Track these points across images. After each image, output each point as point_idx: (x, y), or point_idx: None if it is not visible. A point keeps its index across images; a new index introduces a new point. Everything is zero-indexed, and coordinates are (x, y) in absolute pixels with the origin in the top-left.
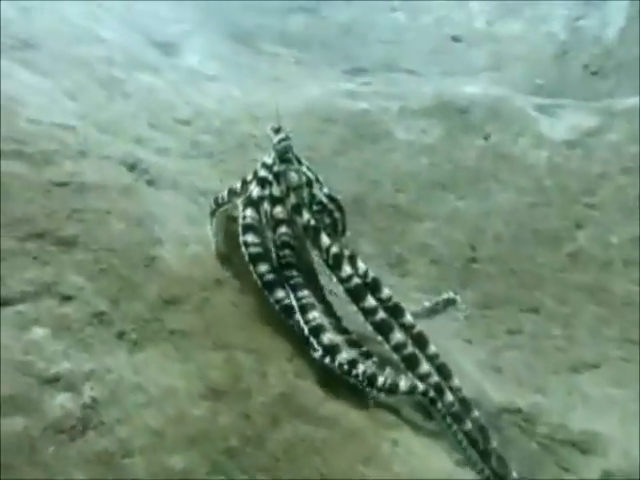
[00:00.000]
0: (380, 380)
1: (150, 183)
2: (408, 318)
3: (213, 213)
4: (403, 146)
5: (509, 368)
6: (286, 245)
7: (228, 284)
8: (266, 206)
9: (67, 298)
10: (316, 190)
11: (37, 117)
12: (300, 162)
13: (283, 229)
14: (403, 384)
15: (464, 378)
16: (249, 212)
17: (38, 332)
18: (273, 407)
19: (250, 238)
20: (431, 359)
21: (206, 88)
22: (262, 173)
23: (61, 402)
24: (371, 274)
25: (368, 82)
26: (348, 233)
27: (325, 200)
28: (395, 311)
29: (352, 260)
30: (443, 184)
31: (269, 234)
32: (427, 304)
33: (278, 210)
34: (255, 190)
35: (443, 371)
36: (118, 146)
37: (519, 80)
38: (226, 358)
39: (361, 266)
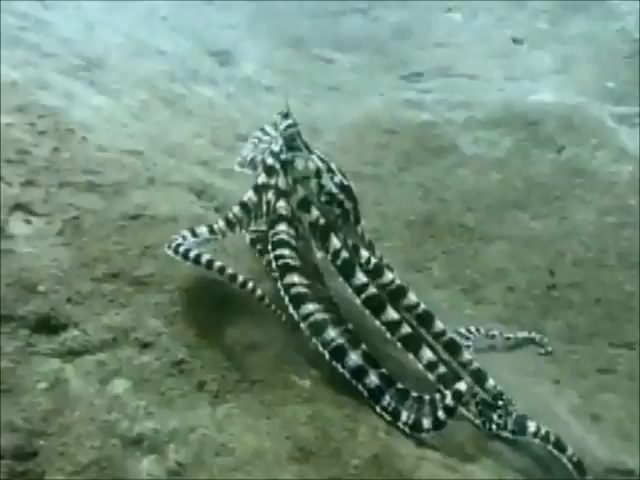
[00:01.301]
0: (404, 415)
1: (218, 210)
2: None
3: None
4: (471, 160)
5: (608, 415)
6: (284, 244)
7: None
8: (270, 196)
9: (146, 345)
10: (325, 181)
11: (106, 143)
12: (310, 150)
13: (282, 227)
14: (426, 421)
15: (562, 429)
16: (250, 193)
17: (119, 385)
18: (366, 471)
19: (236, 210)
20: (437, 338)
21: (263, 99)
22: (269, 161)
23: (146, 467)
24: (373, 260)
25: (428, 89)
26: (363, 222)
27: (335, 190)
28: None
29: (355, 249)
30: (516, 202)
31: (266, 227)
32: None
33: (281, 204)
34: (261, 177)
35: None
36: (185, 170)
37: (587, 84)
38: (312, 413)
39: (364, 254)
